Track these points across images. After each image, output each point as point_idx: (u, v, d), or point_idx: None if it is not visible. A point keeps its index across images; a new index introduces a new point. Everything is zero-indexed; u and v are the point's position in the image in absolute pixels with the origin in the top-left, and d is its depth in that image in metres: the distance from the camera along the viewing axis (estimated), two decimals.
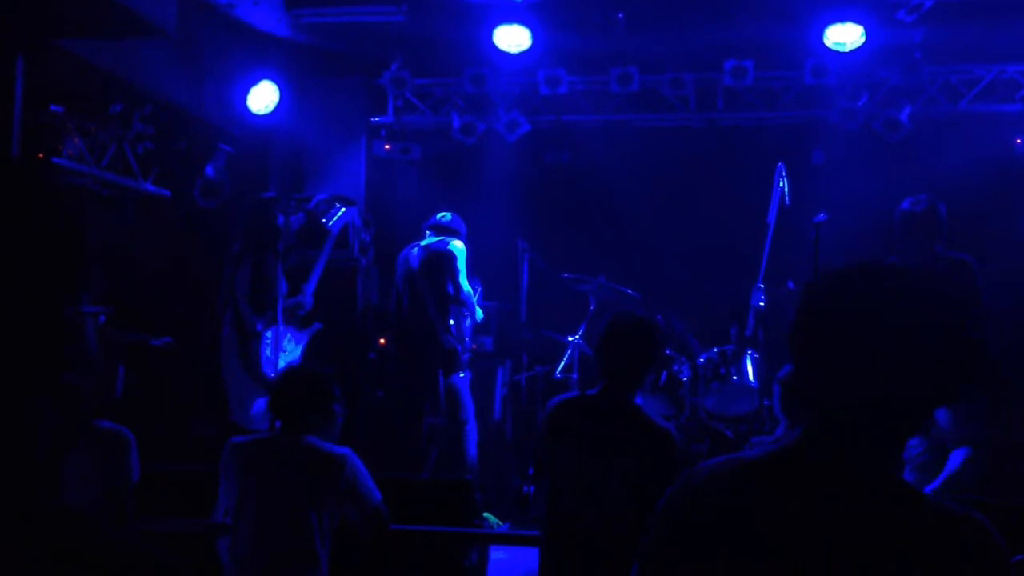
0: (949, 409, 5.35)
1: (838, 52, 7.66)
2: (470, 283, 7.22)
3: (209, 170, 7.28)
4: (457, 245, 7.11)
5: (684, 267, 8.70)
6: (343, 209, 7.41)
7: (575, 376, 7.55)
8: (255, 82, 7.62)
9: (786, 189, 6.51)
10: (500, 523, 6.54)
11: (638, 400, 3.88)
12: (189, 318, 6.96)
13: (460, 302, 7.10)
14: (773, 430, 6.15)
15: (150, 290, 7.07)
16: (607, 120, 8.80)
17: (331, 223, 7.28)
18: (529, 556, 4.88)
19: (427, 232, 7.35)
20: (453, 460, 6.94)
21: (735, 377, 6.93)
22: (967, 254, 5.63)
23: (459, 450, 6.91)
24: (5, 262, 5.37)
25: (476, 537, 5.00)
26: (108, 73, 6.37)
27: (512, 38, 7.77)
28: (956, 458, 5.41)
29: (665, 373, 7.05)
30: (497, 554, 5.50)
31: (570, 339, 7.66)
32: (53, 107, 5.98)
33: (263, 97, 7.67)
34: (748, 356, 6.97)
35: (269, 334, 6.54)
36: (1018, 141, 8.16)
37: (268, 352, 6.50)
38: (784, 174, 6.56)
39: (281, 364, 6.47)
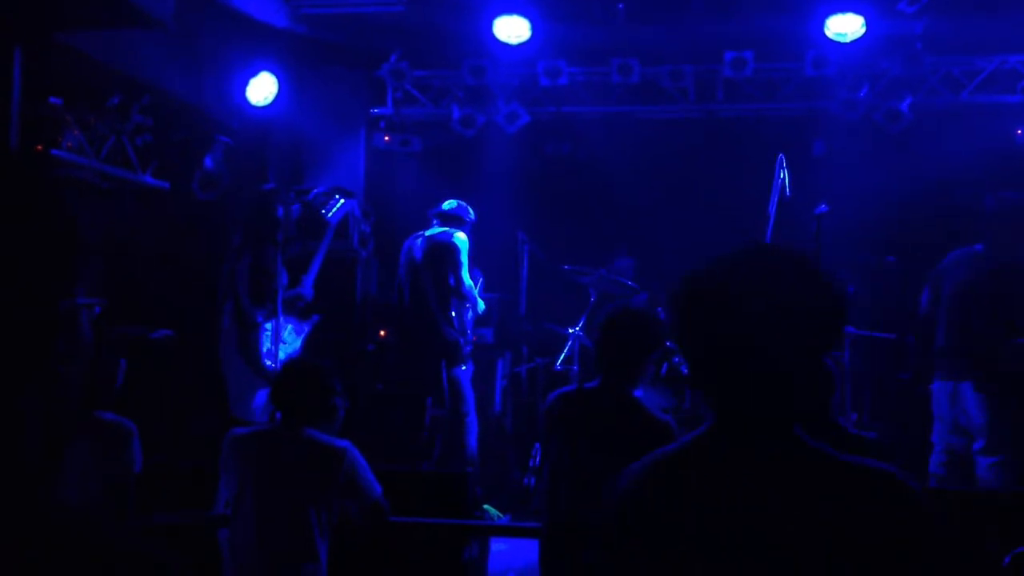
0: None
1: (839, 43, 7.63)
2: (472, 274, 7.19)
3: (208, 162, 7.26)
4: (460, 237, 7.06)
5: (684, 259, 8.62)
6: (342, 201, 7.39)
7: (575, 368, 7.54)
8: (254, 73, 7.61)
9: (787, 180, 6.49)
10: (501, 515, 6.54)
11: (638, 393, 3.88)
12: (188, 311, 6.95)
13: (461, 295, 7.07)
14: None
15: (149, 283, 7.05)
16: (607, 112, 8.78)
17: (330, 215, 7.26)
18: (530, 548, 4.89)
19: (433, 221, 7.30)
20: (454, 452, 6.94)
21: None
22: None
23: (460, 442, 6.90)
24: (2, 255, 5.35)
25: (476, 529, 5.00)
26: (106, 65, 6.35)
27: (512, 29, 7.75)
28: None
29: (666, 365, 7.05)
30: (498, 546, 5.50)
31: (570, 331, 7.65)
32: (52, 99, 5.96)
33: (262, 88, 7.65)
34: None
35: (269, 326, 6.53)
36: (1019, 132, 8.14)
37: (268, 344, 6.49)
38: (784, 165, 6.55)
39: (281, 356, 6.47)
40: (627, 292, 7.73)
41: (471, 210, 7.30)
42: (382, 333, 8.14)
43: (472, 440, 6.94)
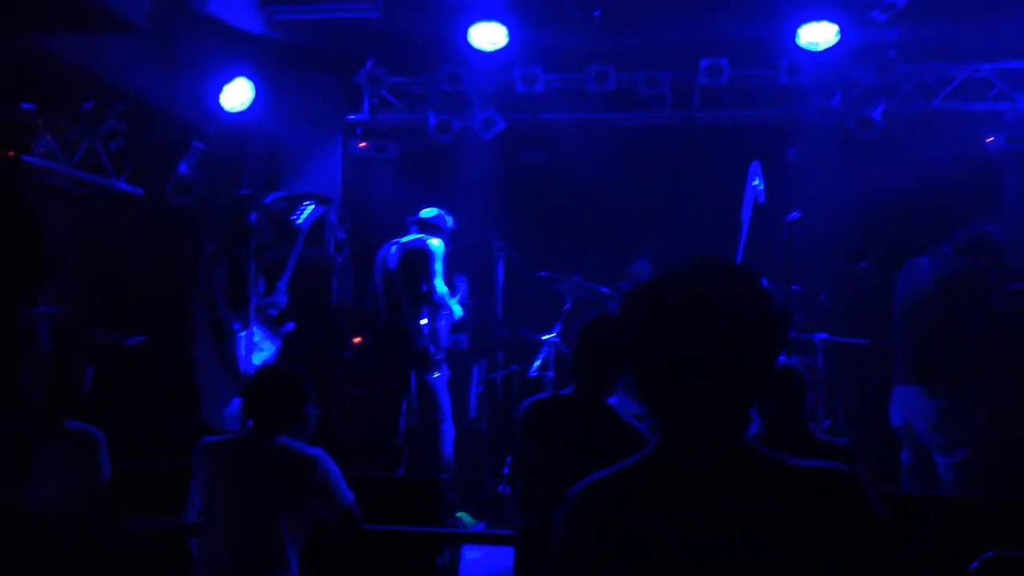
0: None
1: (813, 51, 7.68)
2: (455, 280, 7.18)
3: (182, 168, 7.22)
4: (435, 243, 7.04)
5: (660, 266, 8.66)
6: (312, 206, 7.36)
7: (551, 374, 7.55)
8: (229, 79, 7.57)
9: (761, 187, 6.53)
10: (475, 522, 6.54)
11: (612, 400, 3.88)
12: (162, 317, 6.91)
13: (433, 303, 7.03)
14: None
15: (123, 289, 7.00)
16: (583, 118, 8.81)
17: (300, 220, 7.23)
18: (504, 555, 4.89)
19: (411, 227, 7.27)
20: (428, 459, 6.92)
21: None
22: None
23: (435, 449, 6.89)
24: None
25: (449, 537, 4.99)
26: (80, 70, 6.31)
27: (488, 36, 7.75)
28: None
29: None
30: (472, 554, 5.49)
31: (546, 337, 7.66)
32: (24, 104, 5.92)
33: (237, 94, 7.61)
34: None
35: (244, 333, 6.51)
36: (989, 139, 8.22)
37: (243, 351, 6.46)
38: (759, 172, 6.58)
39: (256, 362, 6.44)
40: (602, 299, 7.75)
41: (449, 218, 7.29)
42: (357, 340, 8.12)
43: (448, 447, 6.93)
